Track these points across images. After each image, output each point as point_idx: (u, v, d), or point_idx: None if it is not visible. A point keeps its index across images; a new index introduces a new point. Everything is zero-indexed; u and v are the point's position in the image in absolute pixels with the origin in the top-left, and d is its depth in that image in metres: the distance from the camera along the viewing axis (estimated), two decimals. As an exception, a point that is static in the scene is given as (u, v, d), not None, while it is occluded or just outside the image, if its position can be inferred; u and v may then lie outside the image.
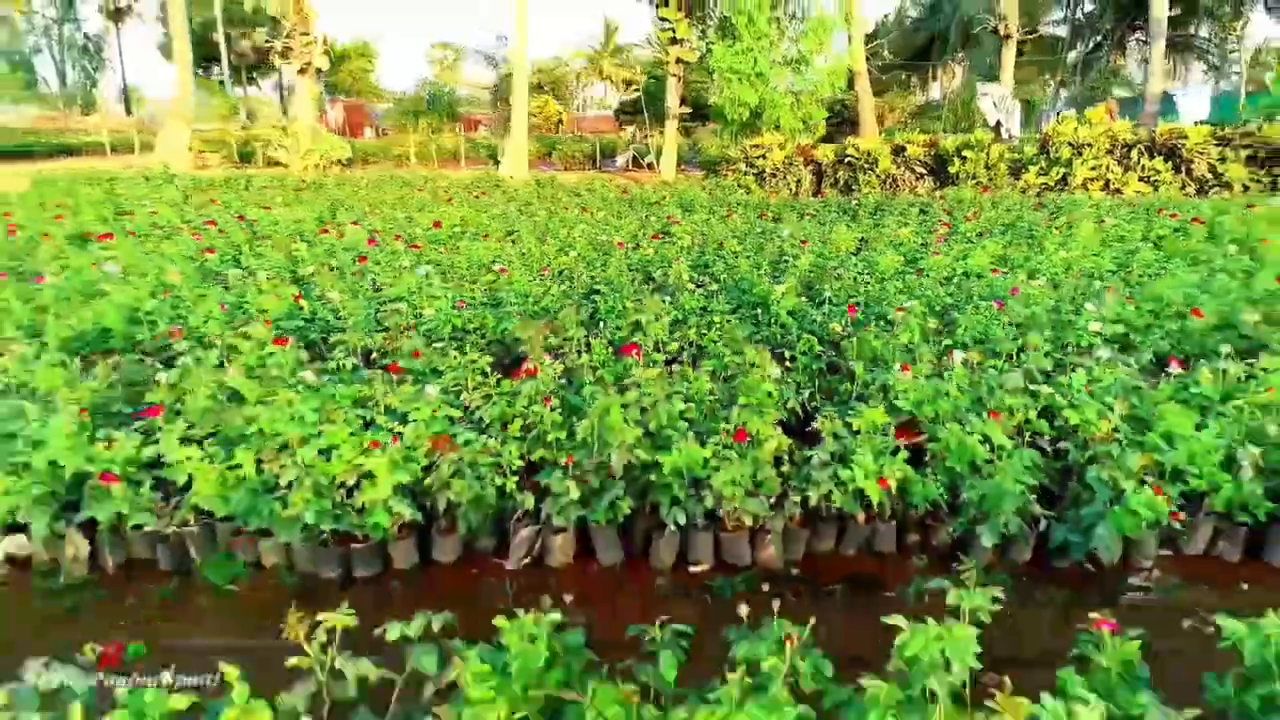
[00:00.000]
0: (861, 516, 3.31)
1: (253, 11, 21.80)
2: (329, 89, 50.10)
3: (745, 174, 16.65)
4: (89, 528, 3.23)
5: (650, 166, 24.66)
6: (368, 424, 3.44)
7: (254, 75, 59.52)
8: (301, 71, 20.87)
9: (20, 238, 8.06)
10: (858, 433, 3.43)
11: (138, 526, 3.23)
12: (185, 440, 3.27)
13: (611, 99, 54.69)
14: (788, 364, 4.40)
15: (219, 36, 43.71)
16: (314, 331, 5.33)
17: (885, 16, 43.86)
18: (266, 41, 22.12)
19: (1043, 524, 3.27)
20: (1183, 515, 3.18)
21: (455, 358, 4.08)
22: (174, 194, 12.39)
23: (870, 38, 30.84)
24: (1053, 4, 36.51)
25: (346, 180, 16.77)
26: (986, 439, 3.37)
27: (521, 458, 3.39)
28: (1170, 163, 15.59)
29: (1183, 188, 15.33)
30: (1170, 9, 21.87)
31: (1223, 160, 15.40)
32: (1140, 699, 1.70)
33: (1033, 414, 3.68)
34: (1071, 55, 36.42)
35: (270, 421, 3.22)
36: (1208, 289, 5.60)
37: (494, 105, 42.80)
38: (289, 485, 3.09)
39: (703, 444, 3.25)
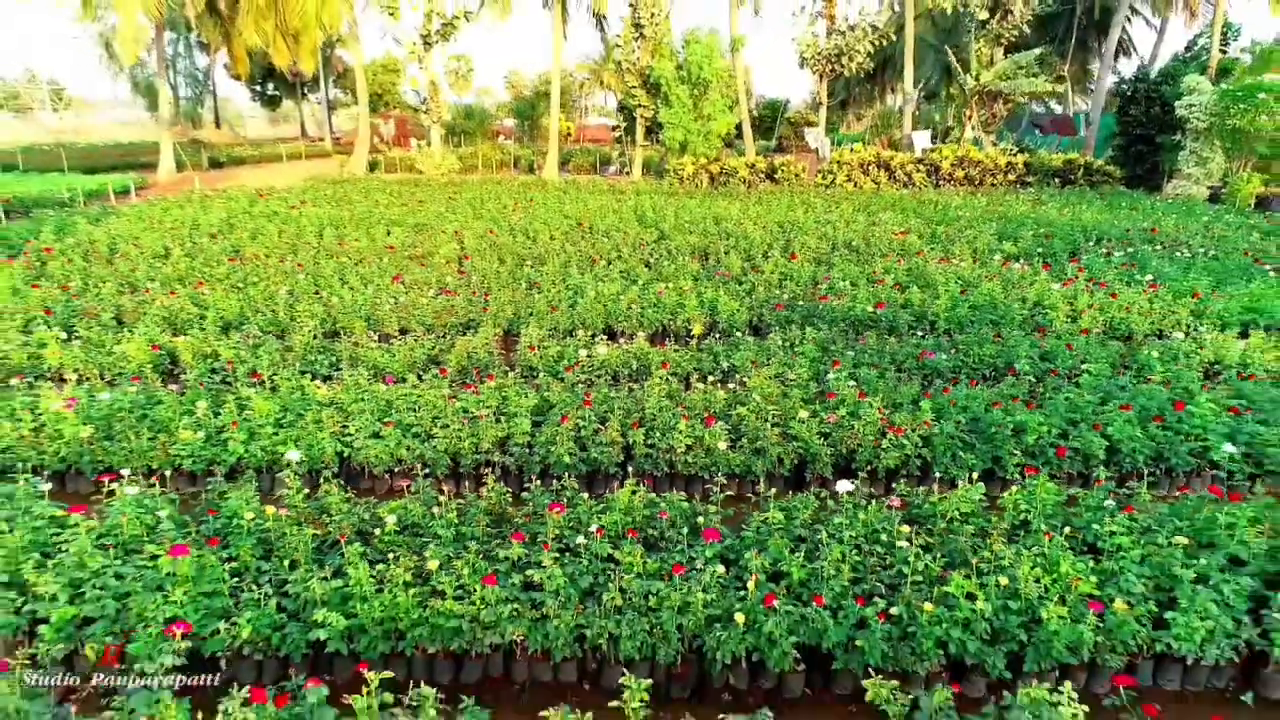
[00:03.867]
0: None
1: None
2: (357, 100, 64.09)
3: (673, 179, 31.92)
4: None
5: (628, 174, 39.70)
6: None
7: (305, 92, 74.57)
8: (434, 121, 36.05)
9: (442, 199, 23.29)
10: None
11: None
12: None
13: (611, 104, 66.93)
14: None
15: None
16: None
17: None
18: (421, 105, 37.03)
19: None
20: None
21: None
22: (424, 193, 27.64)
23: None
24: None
25: (464, 181, 31.87)
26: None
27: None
28: (887, 172, 30.98)
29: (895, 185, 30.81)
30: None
31: (916, 171, 30.85)
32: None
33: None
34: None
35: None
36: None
37: (520, 119, 57.25)
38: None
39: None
